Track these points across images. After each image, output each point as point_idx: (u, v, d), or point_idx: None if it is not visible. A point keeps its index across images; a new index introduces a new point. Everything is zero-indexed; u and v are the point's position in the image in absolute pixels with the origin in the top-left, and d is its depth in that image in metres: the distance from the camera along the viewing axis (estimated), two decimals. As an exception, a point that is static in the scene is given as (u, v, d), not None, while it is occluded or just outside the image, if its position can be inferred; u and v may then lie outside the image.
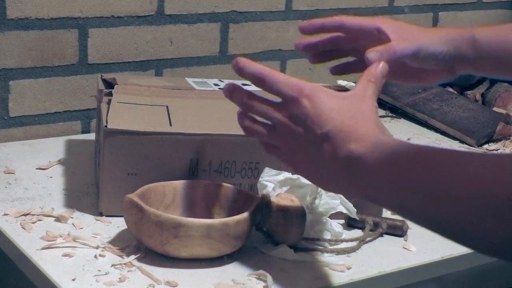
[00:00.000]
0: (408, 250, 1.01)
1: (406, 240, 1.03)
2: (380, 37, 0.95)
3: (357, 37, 0.99)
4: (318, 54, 1.05)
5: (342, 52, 1.05)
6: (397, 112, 1.54)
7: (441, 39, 0.97)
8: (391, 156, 0.73)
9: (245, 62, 0.85)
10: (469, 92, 1.63)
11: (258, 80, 0.84)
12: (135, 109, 1.07)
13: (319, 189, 1.01)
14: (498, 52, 0.96)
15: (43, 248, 0.93)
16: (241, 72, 0.85)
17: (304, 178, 0.93)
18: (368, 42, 0.96)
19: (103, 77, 1.18)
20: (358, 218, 1.02)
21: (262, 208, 0.95)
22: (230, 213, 0.96)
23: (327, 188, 0.83)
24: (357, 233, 1.03)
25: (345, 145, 0.76)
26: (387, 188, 0.72)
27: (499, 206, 0.61)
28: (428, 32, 0.97)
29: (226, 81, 1.25)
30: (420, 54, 0.95)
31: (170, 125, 1.03)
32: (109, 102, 1.08)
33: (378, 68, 0.86)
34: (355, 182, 0.75)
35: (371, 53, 0.91)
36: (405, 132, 1.45)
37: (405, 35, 0.96)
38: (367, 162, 0.74)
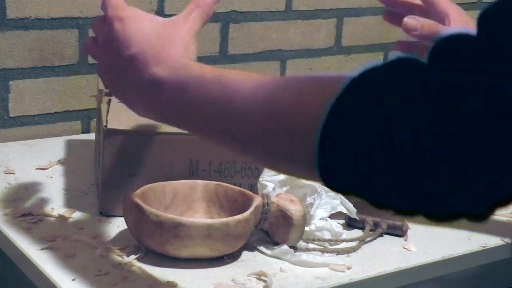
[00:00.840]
0: (408, 250, 1.01)
1: (406, 240, 1.03)
2: (444, 23, 0.99)
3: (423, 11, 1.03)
4: (393, 13, 1.10)
5: None
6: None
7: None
8: (188, 80, 0.74)
9: None
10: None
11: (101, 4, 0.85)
12: (135, 109, 1.07)
13: (319, 189, 1.01)
14: None
15: (43, 248, 0.93)
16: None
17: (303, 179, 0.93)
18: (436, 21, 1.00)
19: (103, 77, 1.18)
20: (358, 218, 1.02)
21: (262, 208, 0.95)
22: (230, 213, 0.96)
23: (134, 110, 0.83)
24: (357, 233, 1.03)
25: (148, 68, 0.77)
26: (184, 113, 0.74)
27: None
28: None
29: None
30: None
31: (170, 125, 1.03)
32: (109, 102, 1.08)
33: None
34: (158, 106, 0.77)
35: (411, 20, 0.93)
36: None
37: (463, 23, 0.99)
38: (167, 86, 0.76)
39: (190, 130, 0.77)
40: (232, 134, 0.70)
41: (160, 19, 0.82)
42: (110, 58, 0.82)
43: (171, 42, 0.80)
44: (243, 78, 0.70)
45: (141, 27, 0.80)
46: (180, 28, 0.82)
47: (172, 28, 0.81)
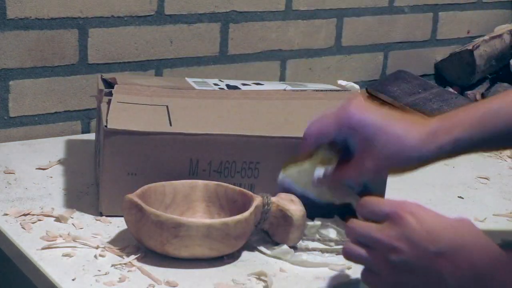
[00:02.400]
0: (408, 250, 1.01)
1: (406, 240, 1.03)
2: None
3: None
4: None
5: None
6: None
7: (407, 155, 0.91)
8: None
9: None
10: (469, 92, 1.63)
11: (360, 207, 0.82)
12: (135, 109, 1.07)
13: None
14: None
15: (43, 248, 0.93)
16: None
17: None
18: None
19: (103, 77, 1.18)
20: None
21: (262, 208, 0.95)
22: (230, 213, 0.96)
23: None
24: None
25: (467, 261, 0.73)
26: None
27: None
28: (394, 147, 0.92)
29: (226, 81, 1.25)
30: (381, 173, 0.96)
31: (170, 125, 1.03)
32: (109, 102, 1.08)
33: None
34: None
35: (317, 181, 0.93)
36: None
37: (365, 150, 0.92)
38: (500, 281, 0.72)
39: None
40: None
41: (433, 211, 0.78)
42: (402, 258, 0.76)
43: (471, 232, 0.76)
44: None
45: (433, 218, 0.76)
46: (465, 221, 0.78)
47: (455, 220, 0.78)
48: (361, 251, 0.79)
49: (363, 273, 0.81)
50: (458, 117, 0.90)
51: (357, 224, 0.81)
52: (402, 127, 0.90)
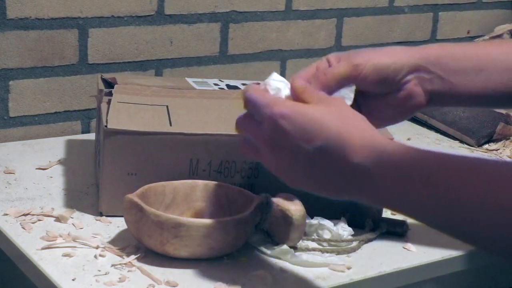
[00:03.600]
0: (408, 250, 1.01)
1: (406, 240, 1.03)
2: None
3: None
4: None
5: None
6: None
7: (391, 54, 0.88)
8: (402, 168, 0.71)
9: (247, 91, 0.82)
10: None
11: (245, 103, 0.81)
12: (135, 109, 1.07)
13: None
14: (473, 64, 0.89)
15: (43, 248, 0.93)
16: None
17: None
18: None
19: (103, 77, 1.18)
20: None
21: (262, 208, 0.95)
22: (230, 213, 0.96)
23: (338, 196, 0.78)
24: (357, 233, 1.03)
25: (346, 159, 0.73)
26: (403, 201, 0.71)
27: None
28: (378, 50, 0.89)
29: (226, 81, 1.25)
30: (361, 71, 0.86)
31: (170, 125, 1.03)
32: (109, 102, 1.08)
33: (294, 84, 0.81)
34: (366, 192, 0.74)
35: (296, 81, 0.82)
36: (405, 132, 1.45)
37: (349, 56, 0.88)
38: (375, 175, 0.72)
39: (410, 215, 0.74)
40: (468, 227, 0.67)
41: (310, 104, 0.77)
42: (288, 156, 0.76)
43: (349, 119, 0.75)
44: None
45: (309, 116, 0.75)
46: (339, 104, 0.78)
47: (333, 108, 0.76)
48: (249, 125, 0.80)
49: (243, 143, 0.82)
50: None
51: (245, 120, 0.81)
52: None
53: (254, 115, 0.80)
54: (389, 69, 0.87)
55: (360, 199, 0.76)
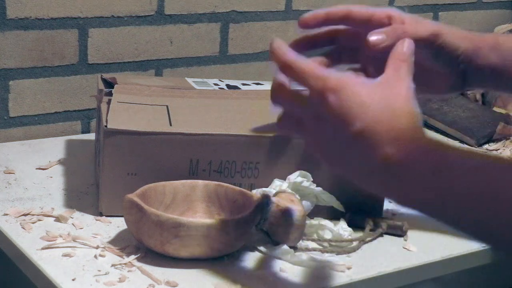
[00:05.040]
0: (408, 250, 1.01)
1: (406, 240, 1.03)
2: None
3: (364, 30, 0.85)
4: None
5: (339, 57, 0.91)
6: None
7: (461, 35, 0.87)
8: (435, 167, 0.69)
9: (276, 47, 0.79)
10: (469, 92, 1.63)
11: (285, 68, 0.78)
12: (135, 109, 1.07)
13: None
14: None
15: (43, 248, 0.93)
16: (271, 56, 0.79)
17: None
18: None
19: (103, 77, 1.18)
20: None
21: (262, 208, 0.95)
22: (230, 213, 0.96)
23: (365, 187, 0.75)
24: (357, 233, 1.03)
25: (380, 148, 0.70)
26: (432, 201, 0.69)
27: None
28: (447, 26, 0.87)
29: (226, 81, 1.25)
30: (436, 41, 0.84)
31: (170, 125, 1.03)
32: (109, 102, 1.08)
33: (405, 45, 0.78)
34: (393, 188, 0.72)
35: (374, 35, 0.79)
36: (405, 132, 1.44)
37: (420, 21, 0.85)
38: (407, 169, 0.70)
39: (435, 216, 0.71)
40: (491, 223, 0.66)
41: (370, 82, 0.74)
42: (327, 135, 0.73)
43: (396, 112, 0.72)
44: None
45: (359, 97, 0.72)
46: (400, 91, 0.74)
47: (391, 92, 0.73)
48: (290, 94, 0.77)
49: (281, 116, 0.79)
50: None
51: (282, 93, 0.78)
52: None
53: (298, 83, 0.76)
54: (458, 51, 0.85)
55: (384, 191, 0.74)
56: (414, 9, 1.69)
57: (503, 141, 1.44)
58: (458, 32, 0.87)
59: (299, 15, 1.56)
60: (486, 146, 1.43)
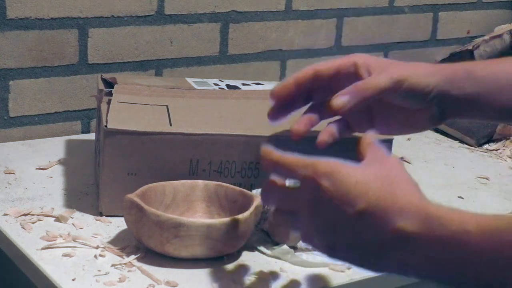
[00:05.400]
0: (408, 250, 1.01)
1: (406, 240, 1.03)
2: (357, 76, 0.87)
3: (334, 84, 0.88)
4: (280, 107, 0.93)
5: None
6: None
7: (428, 71, 0.87)
8: (450, 238, 0.68)
9: (263, 153, 0.77)
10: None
11: (274, 166, 0.77)
12: (135, 109, 1.07)
13: None
14: (500, 85, 0.86)
15: (43, 248, 0.93)
16: (262, 163, 0.78)
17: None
18: (347, 85, 0.86)
19: (103, 77, 1.18)
20: None
21: (262, 208, 0.95)
22: (230, 213, 0.96)
23: (376, 269, 0.74)
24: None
25: (390, 221, 0.69)
26: (450, 270, 0.68)
27: None
28: (413, 65, 0.88)
29: (226, 81, 1.25)
30: (401, 86, 0.85)
31: (170, 125, 1.03)
32: (109, 102, 1.08)
33: (369, 136, 0.78)
34: (405, 257, 0.71)
35: (337, 100, 0.81)
36: (405, 132, 1.44)
37: (384, 67, 0.87)
38: (421, 241, 0.69)
39: (451, 284, 0.70)
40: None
41: (357, 164, 0.73)
42: (327, 219, 0.72)
43: (395, 185, 0.71)
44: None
45: (354, 177, 0.71)
46: (391, 164, 0.74)
47: (383, 167, 0.73)
48: (280, 192, 0.76)
49: (273, 215, 0.78)
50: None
51: (275, 191, 0.77)
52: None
53: (289, 176, 0.76)
54: (427, 89, 0.86)
55: (397, 268, 0.73)
56: (414, 9, 1.69)
57: (503, 141, 1.44)
58: (424, 70, 0.87)
59: (299, 15, 1.56)
60: (486, 146, 1.43)
